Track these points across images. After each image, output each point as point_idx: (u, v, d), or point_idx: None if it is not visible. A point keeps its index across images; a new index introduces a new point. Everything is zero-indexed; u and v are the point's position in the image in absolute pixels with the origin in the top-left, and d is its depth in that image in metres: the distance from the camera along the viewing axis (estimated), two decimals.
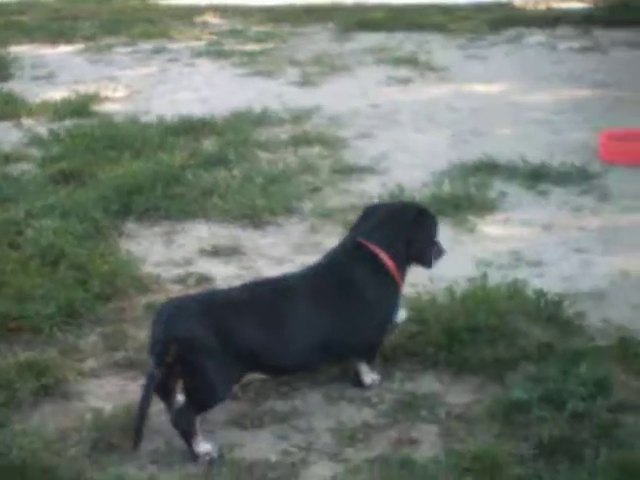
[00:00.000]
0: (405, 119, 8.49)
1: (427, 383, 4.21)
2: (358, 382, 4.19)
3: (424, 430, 3.86)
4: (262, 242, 5.91)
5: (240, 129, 8.06)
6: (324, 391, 4.16)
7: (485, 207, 6.28)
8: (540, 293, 4.78)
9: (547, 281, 5.13)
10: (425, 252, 4.26)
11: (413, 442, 3.77)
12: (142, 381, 4.09)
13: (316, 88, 9.67)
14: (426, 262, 4.29)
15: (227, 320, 3.78)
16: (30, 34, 12.95)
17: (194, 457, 3.68)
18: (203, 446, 3.69)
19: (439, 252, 4.32)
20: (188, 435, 3.71)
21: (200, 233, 6.06)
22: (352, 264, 4.12)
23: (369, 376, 4.20)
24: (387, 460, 3.64)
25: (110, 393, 4.20)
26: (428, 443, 3.77)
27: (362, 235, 4.18)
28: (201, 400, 3.75)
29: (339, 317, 4.00)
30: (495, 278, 4.97)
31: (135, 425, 3.71)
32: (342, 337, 4.02)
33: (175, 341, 3.67)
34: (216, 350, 3.72)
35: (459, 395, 4.12)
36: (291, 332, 3.89)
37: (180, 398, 3.81)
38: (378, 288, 4.12)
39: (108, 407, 3.98)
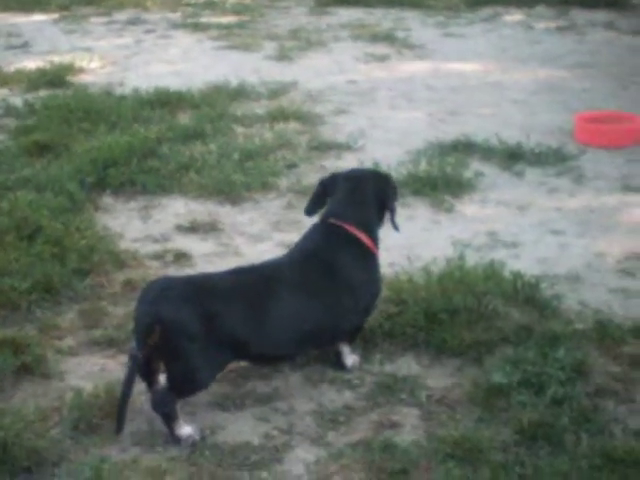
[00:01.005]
0: (382, 96, 8.47)
1: (407, 365, 4.22)
2: (339, 364, 4.18)
3: (405, 413, 3.87)
4: (239, 218, 5.89)
5: (216, 103, 8.01)
6: (305, 373, 4.16)
7: (462, 187, 6.29)
8: (517, 275, 4.80)
9: (524, 262, 5.16)
10: (393, 217, 4.27)
11: (394, 425, 3.78)
12: (122, 359, 4.11)
13: (293, 63, 9.62)
14: (395, 226, 4.29)
15: (214, 305, 3.71)
16: (4, 2, 12.76)
17: (176, 440, 3.66)
18: (184, 429, 3.67)
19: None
20: (168, 419, 3.67)
21: (177, 208, 6.03)
22: (334, 248, 4.09)
23: (350, 358, 4.20)
24: (369, 444, 3.64)
25: (90, 372, 4.17)
26: (409, 427, 3.78)
27: (334, 215, 4.15)
28: (183, 386, 3.71)
29: (327, 304, 3.98)
30: (472, 259, 4.98)
31: (117, 410, 3.67)
32: (331, 323, 4.01)
33: (159, 322, 3.60)
34: (201, 335, 3.65)
35: (439, 378, 4.13)
36: (279, 321, 3.85)
37: (162, 379, 3.77)
38: (362, 269, 4.12)
39: (88, 386, 3.95)
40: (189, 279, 3.96)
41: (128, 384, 3.65)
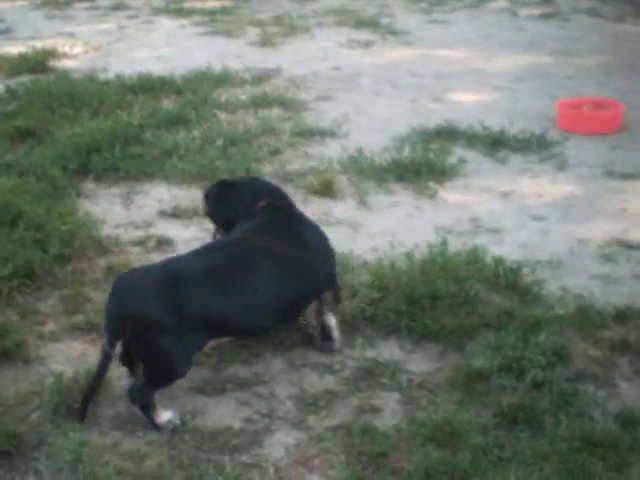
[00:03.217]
0: (366, 83, 8.46)
1: (388, 350, 4.23)
2: (327, 337, 4.18)
3: (386, 397, 3.89)
4: None
5: (200, 89, 7.97)
6: (287, 357, 4.17)
7: (445, 173, 6.29)
8: (499, 260, 4.82)
9: (506, 248, 5.18)
10: None
11: (375, 410, 3.80)
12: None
13: (277, 49, 9.59)
14: None
15: (183, 293, 3.67)
16: None
17: (156, 428, 3.65)
18: (164, 415, 3.67)
19: None
20: (146, 409, 3.67)
21: (160, 194, 6.01)
22: (286, 219, 4.22)
23: (337, 330, 4.21)
24: (349, 428, 3.65)
25: (70, 357, 4.16)
26: (390, 411, 3.80)
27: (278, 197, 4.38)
28: (159, 378, 3.70)
29: (301, 268, 4.03)
30: (455, 245, 4.99)
31: (83, 399, 3.67)
32: (308, 282, 4.05)
33: (129, 319, 3.57)
34: (173, 326, 3.61)
35: (420, 362, 4.15)
36: (254, 294, 3.84)
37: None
38: (313, 231, 4.25)
39: (69, 371, 3.95)
40: (155, 269, 3.89)
41: (97, 378, 3.66)
